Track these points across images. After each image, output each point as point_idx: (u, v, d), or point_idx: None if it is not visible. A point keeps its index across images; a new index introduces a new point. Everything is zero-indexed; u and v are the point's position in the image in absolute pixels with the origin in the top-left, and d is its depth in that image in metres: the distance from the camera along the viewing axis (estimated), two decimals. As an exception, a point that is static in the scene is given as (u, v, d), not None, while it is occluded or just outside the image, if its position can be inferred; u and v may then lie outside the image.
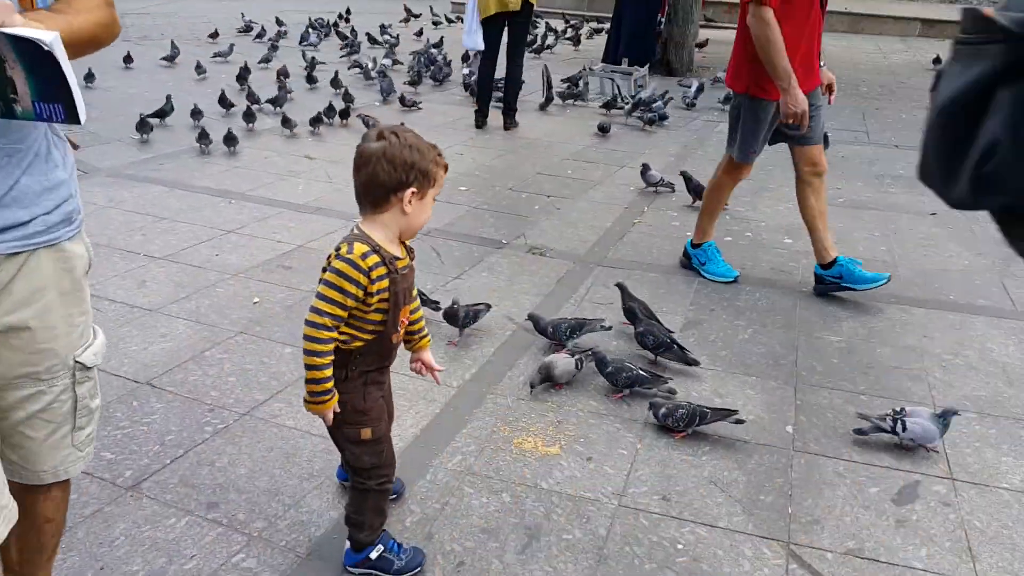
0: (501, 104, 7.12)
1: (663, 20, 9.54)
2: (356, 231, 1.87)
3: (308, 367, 1.86)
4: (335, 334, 1.84)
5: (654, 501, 2.39)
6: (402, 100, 7.51)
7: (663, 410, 2.70)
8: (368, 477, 1.98)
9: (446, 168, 1.92)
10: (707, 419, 2.68)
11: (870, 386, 3.08)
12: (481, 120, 7.12)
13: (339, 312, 1.82)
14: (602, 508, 2.35)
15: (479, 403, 2.85)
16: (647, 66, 8.41)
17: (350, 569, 2.06)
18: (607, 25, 10.61)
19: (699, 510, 2.36)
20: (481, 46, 6.97)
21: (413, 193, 1.82)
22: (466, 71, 8.81)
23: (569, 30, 12.89)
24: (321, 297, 1.81)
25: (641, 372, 2.90)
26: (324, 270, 1.85)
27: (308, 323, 1.83)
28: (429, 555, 2.12)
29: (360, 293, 1.81)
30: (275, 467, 2.45)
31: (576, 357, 2.94)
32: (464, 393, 2.92)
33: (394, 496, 2.28)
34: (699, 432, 2.71)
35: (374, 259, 1.81)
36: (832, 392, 3.03)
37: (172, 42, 9.54)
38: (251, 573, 2.04)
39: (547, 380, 2.92)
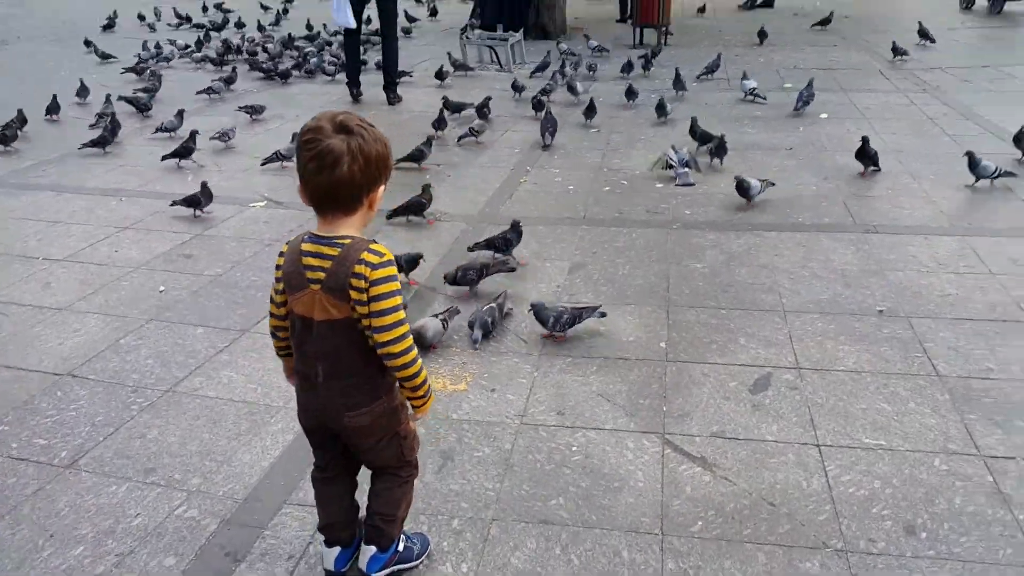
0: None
1: None
2: (337, 239, 1.72)
3: (421, 382, 1.83)
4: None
5: (551, 416, 2.74)
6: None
7: (551, 319, 3.12)
8: (411, 467, 2.01)
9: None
10: (582, 317, 3.17)
11: (729, 302, 3.51)
12: (356, 92, 7.35)
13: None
14: (506, 428, 2.68)
15: (387, 355, 3.12)
16: (521, 31, 8.70)
17: (376, 574, 2.05)
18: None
19: (589, 418, 2.72)
20: (352, 23, 7.15)
21: (381, 191, 1.75)
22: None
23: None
24: (397, 315, 1.72)
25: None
26: (353, 286, 1.68)
27: (399, 340, 1.73)
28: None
29: None
30: (203, 432, 2.67)
31: (441, 318, 3.21)
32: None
33: (415, 564, 2.17)
34: (587, 355, 3.08)
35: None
36: (698, 311, 3.45)
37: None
38: (194, 521, 2.27)
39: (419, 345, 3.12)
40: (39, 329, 3.38)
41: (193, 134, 5.56)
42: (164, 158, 5.48)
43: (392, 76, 7.30)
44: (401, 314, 1.72)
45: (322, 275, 1.71)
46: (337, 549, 2.05)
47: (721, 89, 7.42)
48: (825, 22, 10.05)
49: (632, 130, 6.17)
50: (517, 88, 7.22)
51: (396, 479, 2.01)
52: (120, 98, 6.99)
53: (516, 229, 3.85)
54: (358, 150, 1.64)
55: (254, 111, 6.57)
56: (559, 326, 3.17)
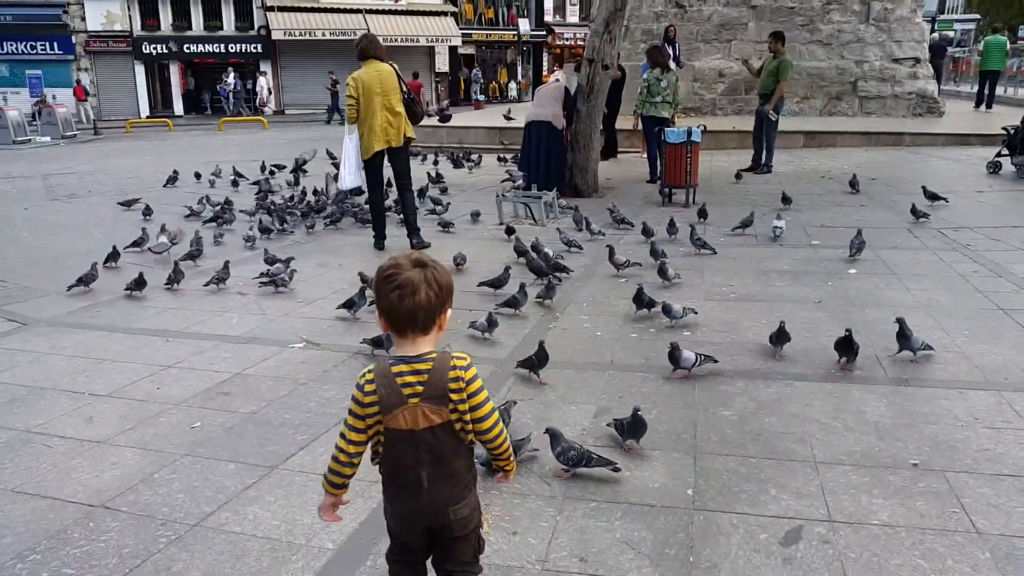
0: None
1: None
2: (434, 352, 2.04)
3: (507, 449, 2.23)
4: None
5: (573, 563, 2.69)
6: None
7: (559, 449, 3.15)
8: (478, 564, 2.27)
9: None
10: (592, 463, 3.17)
11: (758, 451, 3.49)
12: (380, 242, 7.87)
13: None
14: (527, 573, 2.64)
15: (413, 495, 3.13)
16: (555, 189, 9.14)
17: None
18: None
19: (613, 566, 2.67)
20: (360, 183, 7.96)
21: (448, 313, 2.07)
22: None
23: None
24: (490, 404, 2.11)
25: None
26: (453, 390, 2.03)
27: (499, 427, 2.14)
28: (373, 628, 2.37)
29: None
30: (226, 567, 2.68)
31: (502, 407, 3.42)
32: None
33: None
34: (612, 500, 3.05)
35: None
36: (726, 458, 3.42)
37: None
38: (211, 658, 2.25)
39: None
40: (77, 461, 3.47)
41: (226, 264, 6.39)
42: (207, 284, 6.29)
43: (413, 223, 7.88)
44: (491, 403, 2.10)
45: (420, 388, 2.01)
46: None
47: (748, 244, 7.61)
48: (853, 184, 10.34)
49: (658, 279, 6.32)
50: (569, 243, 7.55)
51: (472, 569, 2.24)
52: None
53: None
54: (433, 279, 1.98)
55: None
56: (563, 459, 3.20)
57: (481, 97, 39.93)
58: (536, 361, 4.27)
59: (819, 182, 11.36)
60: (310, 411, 3.98)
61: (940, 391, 4.08)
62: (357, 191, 9.10)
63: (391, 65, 7.63)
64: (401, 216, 8.33)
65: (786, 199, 9.02)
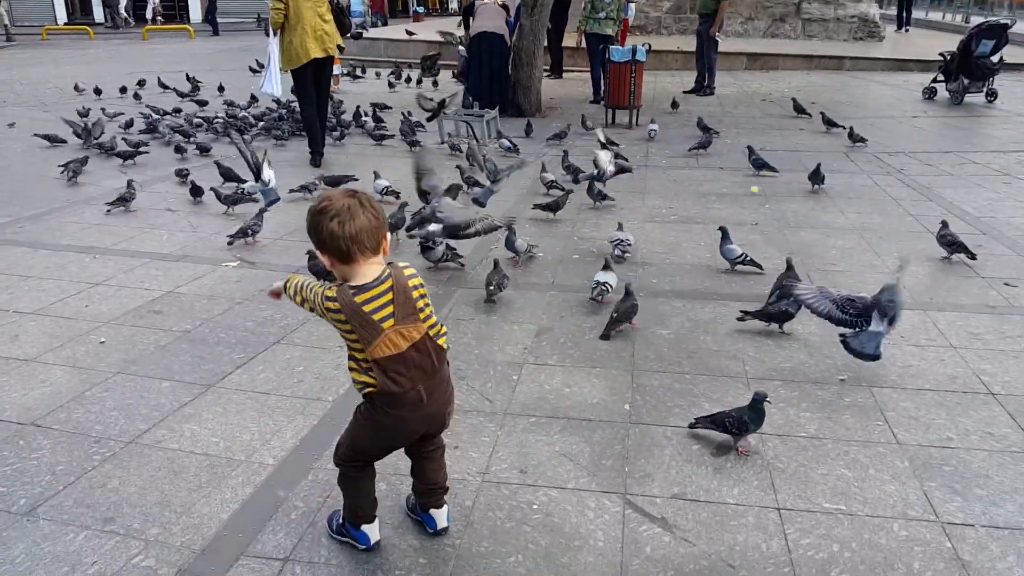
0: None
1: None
2: (386, 272, 2.09)
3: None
4: None
5: (513, 475, 2.75)
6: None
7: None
8: None
9: None
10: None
11: (694, 367, 3.58)
12: (316, 159, 7.74)
13: None
14: (468, 485, 2.69)
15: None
16: (497, 108, 8.99)
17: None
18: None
19: (551, 477, 2.74)
20: (279, 93, 7.90)
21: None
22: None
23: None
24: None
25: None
26: (414, 296, 2.12)
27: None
28: (312, 543, 2.39)
29: None
30: (164, 484, 2.65)
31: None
32: (338, 407, 3.19)
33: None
34: (550, 414, 3.11)
35: None
36: (662, 375, 3.50)
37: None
38: (151, 570, 2.24)
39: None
40: (4, 379, 3.36)
41: (129, 182, 6.14)
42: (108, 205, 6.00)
43: (322, 141, 7.91)
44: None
45: (390, 310, 2.07)
46: (376, 523, 2.37)
47: (690, 167, 7.65)
48: (799, 109, 10.42)
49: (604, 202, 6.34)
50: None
51: (442, 448, 2.43)
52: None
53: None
54: (367, 203, 2.05)
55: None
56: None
57: (420, 9, 38.51)
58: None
59: (760, 105, 11.43)
60: (247, 330, 3.91)
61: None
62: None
63: None
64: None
65: (705, 128, 8.84)
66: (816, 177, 6.71)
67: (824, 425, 3.10)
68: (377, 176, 6.22)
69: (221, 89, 12.27)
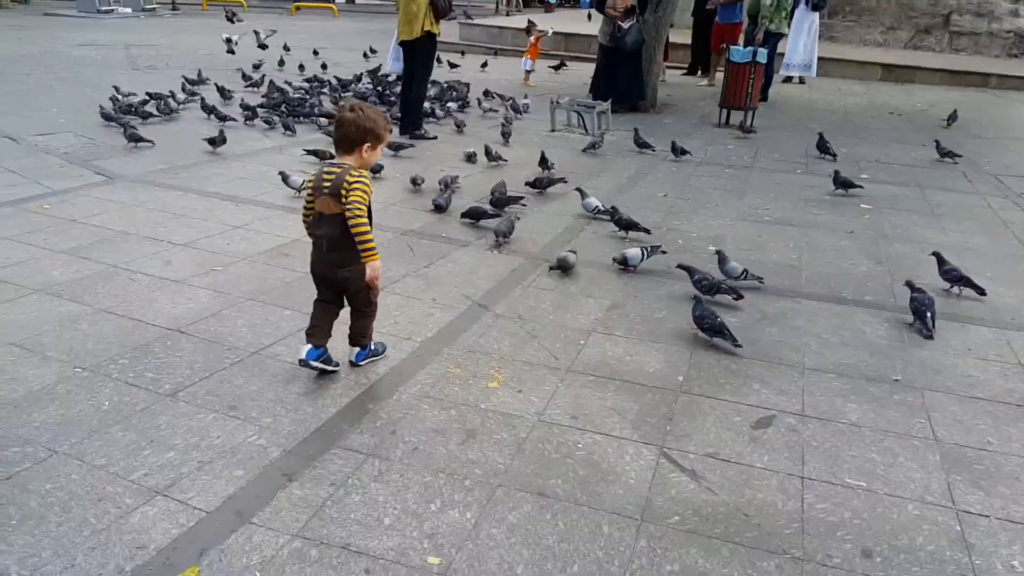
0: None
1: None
2: (341, 166, 3.04)
3: (367, 239, 3.03)
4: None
5: (565, 418, 3.15)
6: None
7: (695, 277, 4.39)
8: (373, 307, 3.34)
9: (390, 132, 3.24)
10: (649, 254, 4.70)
11: (754, 352, 3.84)
12: (401, 129, 8.29)
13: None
14: (524, 421, 3.10)
15: (437, 353, 3.62)
16: (609, 101, 9.27)
17: (361, 363, 3.41)
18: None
19: (598, 425, 3.12)
20: (399, 70, 8.62)
21: (369, 147, 3.07)
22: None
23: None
24: (360, 199, 3.00)
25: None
26: (343, 189, 2.98)
27: (357, 215, 2.98)
28: (392, 445, 2.87)
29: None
30: (279, 386, 3.22)
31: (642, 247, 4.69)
32: (424, 346, 3.69)
33: (381, 356, 3.54)
34: (608, 375, 3.48)
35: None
36: (720, 355, 3.79)
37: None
38: (262, 448, 2.80)
39: (624, 263, 4.74)
40: (157, 294, 4.05)
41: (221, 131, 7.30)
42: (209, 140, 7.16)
43: (404, 119, 8.39)
44: (362, 203, 3.00)
45: (328, 185, 3.02)
46: (310, 346, 3.23)
47: (797, 172, 7.72)
48: (952, 119, 10.23)
49: (698, 197, 6.57)
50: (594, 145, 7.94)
51: (364, 313, 3.34)
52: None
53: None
54: (353, 119, 3.03)
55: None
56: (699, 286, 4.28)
57: (553, 0, 38.83)
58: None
59: (887, 118, 11.20)
60: (358, 277, 4.47)
61: (943, 322, 4.31)
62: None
63: None
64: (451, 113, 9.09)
65: (824, 148, 8.42)
66: (837, 182, 6.83)
67: (867, 416, 3.31)
68: (584, 195, 5.97)
69: (324, 67, 12.91)
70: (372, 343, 3.45)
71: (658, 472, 2.84)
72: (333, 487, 2.62)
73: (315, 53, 14.66)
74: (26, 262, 4.38)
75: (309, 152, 7.08)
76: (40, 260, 4.43)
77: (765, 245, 5.47)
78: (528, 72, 12.66)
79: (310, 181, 3.15)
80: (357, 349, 3.40)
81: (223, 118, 8.50)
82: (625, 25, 9.70)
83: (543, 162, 6.94)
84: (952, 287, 4.79)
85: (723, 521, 2.60)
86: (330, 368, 3.29)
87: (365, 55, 14.54)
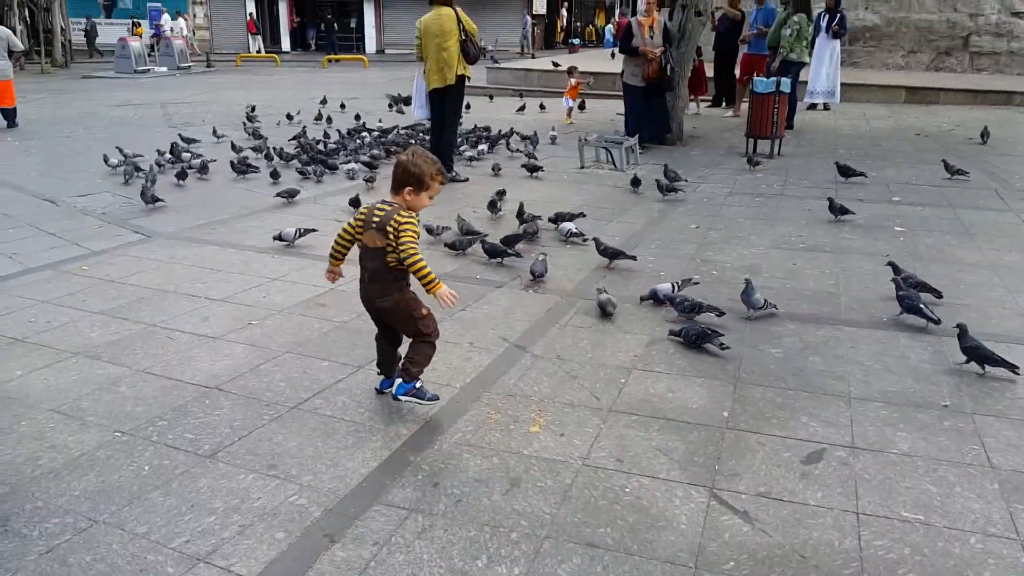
0: None
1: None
2: (392, 204, 3.25)
3: (426, 273, 3.19)
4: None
5: (610, 462, 3.08)
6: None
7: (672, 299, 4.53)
8: (425, 337, 3.39)
9: (442, 181, 3.31)
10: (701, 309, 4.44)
11: (798, 384, 3.76)
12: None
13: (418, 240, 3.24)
14: (569, 466, 3.05)
15: (477, 398, 3.59)
16: (636, 136, 9.30)
17: (401, 397, 3.37)
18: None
19: (645, 467, 3.05)
20: (427, 116, 8.77)
21: (410, 190, 3.23)
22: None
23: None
24: (411, 239, 3.17)
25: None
26: (390, 227, 3.17)
27: (412, 255, 3.15)
28: (434, 498, 2.83)
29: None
30: (318, 441, 3.19)
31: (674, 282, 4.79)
32: (464, 392, 3.66)
33: (426, 403, 3.46)
34: (651, 414, 3.42)
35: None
36: (765, 388, 3.72)
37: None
38: (303, 508, 2.76)
39: (653, 298, 4.77)
40: (196, 351, 4.07)
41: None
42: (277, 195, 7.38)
43: (446, 161, 8.36)
44: (414, 243, 3.18)
45: (377, 220, 3.21)
46: (382, 377, 3.54)
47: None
48: (985, 135, 10.21)
49: (730, 226, 6.52)
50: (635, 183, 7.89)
51: (418, 341, 3.41)
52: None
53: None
54: (403, 163, 3.25)
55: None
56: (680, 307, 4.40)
57: (576, 41, 39.54)
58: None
59: (913, 139, 11.10)
60: (393, 325, 4.47)
61: (988, 343, 4.20)
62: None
63: (454, 8, 8.21)
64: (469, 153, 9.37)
65: (847, 171, 8.35)
66: (833, 209, 6.71)
67: (918, 445, 3.22)
68: (561, 219, 6.33)
69: (358, 117, 13.08)
70: (420, 383, 3.41)
71: (709, 515, 2.76)
72: (376, 546, 2.57)
73: (342, 107, 14.83)
74: (65, 325, 4.45)
75: (352, 202, 7.13)
76: (79, 322, 4.49)
77: (800, 273, 5.40)
78: (569, 109, 13.29)
79: (361, 213, 3.33)
80: (400, 381, 3.38)
81: (244, 171, 8.66)
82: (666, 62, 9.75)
83: (519, 213, 6.57)
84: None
85: (780, 564, 2.51)
86: (423, 401, 3.41)
87: (391, 106, 14.80)
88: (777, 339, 4.29)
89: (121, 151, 9.32)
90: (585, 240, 5.98)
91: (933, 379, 3.81)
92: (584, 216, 6.53)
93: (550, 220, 6.43)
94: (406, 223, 3.17)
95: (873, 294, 4.98)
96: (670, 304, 4.59)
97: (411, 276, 3.29)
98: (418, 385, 3.40)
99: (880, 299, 4.89)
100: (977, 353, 3.87)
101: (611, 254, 5.48)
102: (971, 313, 4.61)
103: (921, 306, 4.43)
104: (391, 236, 3.17)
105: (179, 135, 10.67)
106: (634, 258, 5.52)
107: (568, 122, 12.81)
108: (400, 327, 3.44)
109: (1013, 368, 3.81)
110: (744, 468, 3.06)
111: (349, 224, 3.40)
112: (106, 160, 9.03)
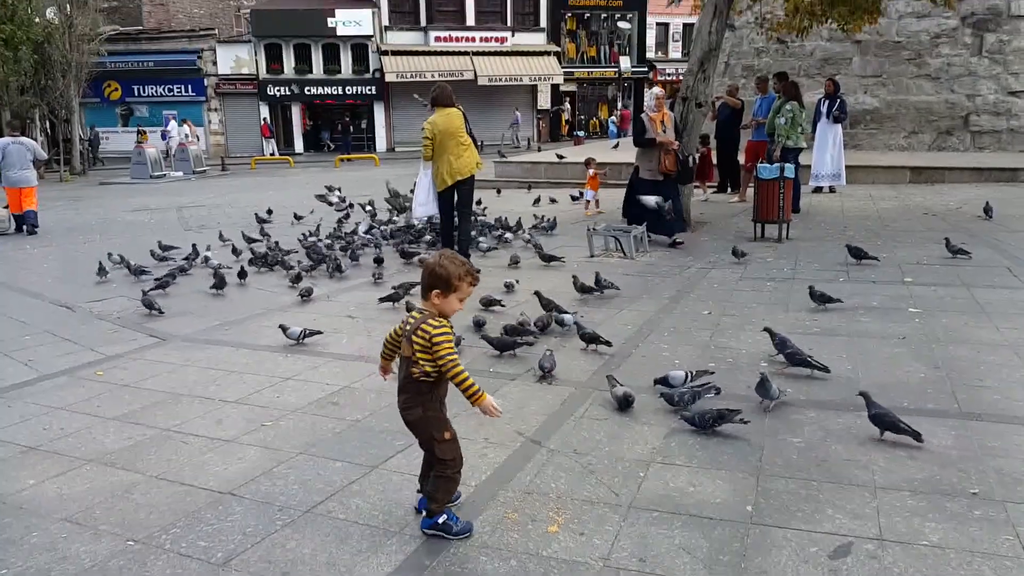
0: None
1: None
2: (423, 312, 3.13)
3: (467, 386, 3.06)
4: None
5: (633, 562, 2.99)
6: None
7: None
8: (444, 466, 3.17)
9: (472, 283, 3.12)
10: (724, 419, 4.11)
11: (821, 474, 3.68)
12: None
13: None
14: (590, 568, 2.96)
15: (493, 497, 3.52)
16: (644, 224, 9.40)
17: (426, 531, 3.18)
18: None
19: (669, 567, 2.96)
20: (434, 212, 8.97)
21: (437, 293, 3.07)
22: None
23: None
24: (448, 351, 3.02)
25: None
26: (417, 335, 3.04)
27: (453, 367, 3.02)
28: (453, 605, 2.75)
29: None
30: (332, 547, 3.12)
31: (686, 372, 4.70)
32: (480, 490, 3.59)
33: (452, 538, 3.19)
34: (673, 509, 3.34)
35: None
36: (788, 480, 3.63)
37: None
38: (317, 617, 2.68)
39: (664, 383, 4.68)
40: (209, 456, 4.04)
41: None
42: (381, 300, 7.19)
43: (464, 251, 8.64)
44: (451, 351, 3.04)
45: (408, 329, 3.11)
46: (420, 495, 3.33)
47: (838, 281, 7.65)
48: (988, 211, 10.34)
49: (743, 312, 6.51)
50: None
51: (436, 471, 3.20)
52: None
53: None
54: (430, 265, 3.10)
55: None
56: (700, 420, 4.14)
57: (581, 133, 40.66)
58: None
59: (921, 219, 11.17)
60: (407, 422, 4.43)
61: (1013, 427, 4.13)
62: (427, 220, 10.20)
63: (458, 107, 8.73)
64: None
65: (858, 254, 8.35)
66: (814, 296, 6.54)
67: (949, 536, 3.12)
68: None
69: (373, 215, 13.16)
70: (445, 517, 3.17)
71: (737, 616, 2.66)
72: (394, 656, 2.49)
73: (351, 206, 15.00)
74: (79, 432, 4.44)
75: (384, 299, 7.18)
76: (93, 428, 4.48)
77: (817, 358, 5.34)
78: (588, 202, 13.02)
79: (406, 321, 3.23)
80: (423, 515, 3.23)
81: (242, 275, 8.62)
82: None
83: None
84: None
85: (815, 669, 2.40)
86: (450, 536, 3.16)
87: (391, 210, 14.71)
88: (798, 427, 4.22)
89: (113, 256, 9.64)
90: (579, 333, 5.80)
91: (959, 465, 3.72)
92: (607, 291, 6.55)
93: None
94: (438, 335, 3.01)
95: (892, 378, 4.92)
96: (683, 417, 4.29)
97: (438, 391, 3.18)
98: (441, 520, 3.16)
99: (899, 383, 4.82)
100: (883, 420, 4.04)
101: (589, 339, 5.64)
102: (993, 396, 4.55)
103: (807, 358, 4.91)
104: (416, 347, 3.04)
105: (158, 242, 10.61)
106: (609, 344, 5.61)
107: (596, 212, 12.68)
108: (422, 445, 3.27)
109: (917, 436, 3.96)
110: (771, 565, 2.96)
111: (396, 329, 3.31)
112: (101, 269, 9.19)
